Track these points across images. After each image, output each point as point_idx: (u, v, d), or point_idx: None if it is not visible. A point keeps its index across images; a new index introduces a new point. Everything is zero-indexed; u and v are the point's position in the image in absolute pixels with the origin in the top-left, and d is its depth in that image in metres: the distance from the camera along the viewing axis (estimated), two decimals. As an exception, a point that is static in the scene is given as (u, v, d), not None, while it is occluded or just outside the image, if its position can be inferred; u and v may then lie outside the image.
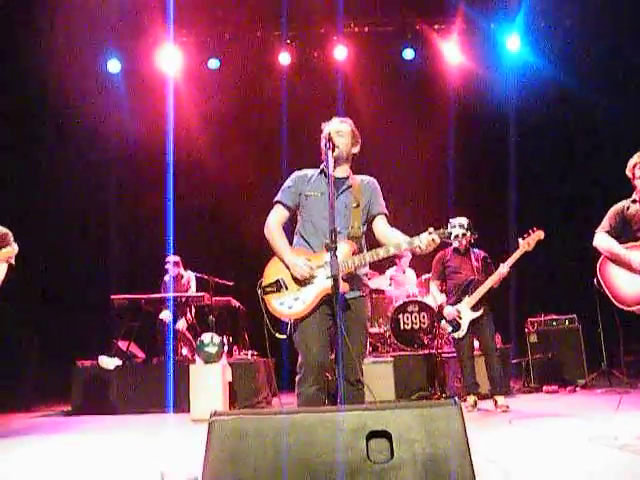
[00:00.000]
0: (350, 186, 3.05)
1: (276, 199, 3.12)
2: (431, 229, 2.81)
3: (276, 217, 3.09)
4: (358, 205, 2.99)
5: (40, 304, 8.02)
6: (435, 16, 8.62)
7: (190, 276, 7.35)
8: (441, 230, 2.81)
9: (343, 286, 2.75)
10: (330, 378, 4.81)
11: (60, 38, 7.73)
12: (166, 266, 7.25)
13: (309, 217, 3.02)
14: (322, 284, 2.87)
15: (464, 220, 2.82)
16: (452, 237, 2.81)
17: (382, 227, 3.06)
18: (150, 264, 7.71)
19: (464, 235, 2.80)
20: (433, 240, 2.77)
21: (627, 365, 6.20)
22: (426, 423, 1.80)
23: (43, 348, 7.67)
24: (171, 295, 6.91)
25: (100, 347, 6.74)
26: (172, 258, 7.28)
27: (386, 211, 3.12)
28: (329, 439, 1.79)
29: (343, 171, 3.08)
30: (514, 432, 4.14)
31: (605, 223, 3.71)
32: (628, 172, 3.68)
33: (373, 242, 3.08)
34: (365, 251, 3.00)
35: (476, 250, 5.55)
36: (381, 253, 2.86)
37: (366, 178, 3.17)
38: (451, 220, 2.85)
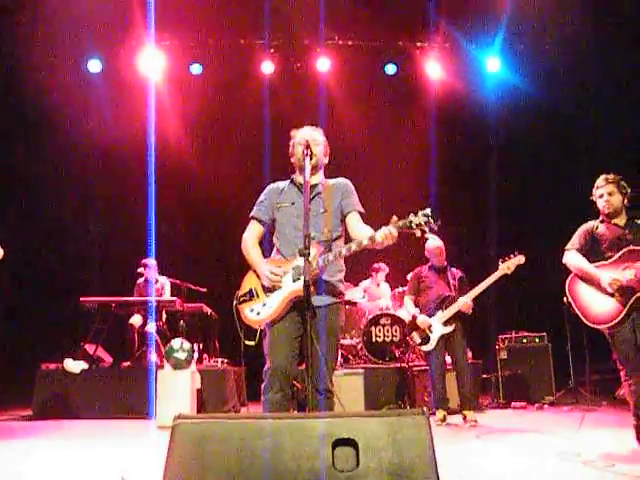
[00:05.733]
0: (319, 192, 3.06)
1: (251, 214, 3.20)
2: (395, 218, 2.70)
3: (250, 232, 3.18)
4: (326, 211, 3.00)
5: (5, 304, 7.81)
6: (417, 34, 8.74)
7: (165, 282, 7.24)
8: (401, 221, 2.69)
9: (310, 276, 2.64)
10: (299, 387, 4.79)
11: (41, 36, 7.63)
12: (139, 269, 7.11)
13: (281, 227, 3.09)
14: (288, 288, 2.89)
15: (427, 209, 2.66)
16: (414, 226, 2.65)
17: (352, 225, 3.03)
18: (123, 267, 7.58)
19: (427, 223, 2.64)
20: (390, 232, 2.66)
21: (593, 383, 6.29)
22: (393, 432, 1.78)
23: (7, 350, 7.46)
24: (143, 299, 6.79)
25: (67, 350, 6.58)
26: (150, 261, 7.15)
27: (359, 209, 3.08)
28: (295, 446, 1.76)
29: (315, 178, 3.09)
30: (482, 447, 4.15)
31: (575, 241, 3.77)
32: (592, 196, 3.79)
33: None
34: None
35: (454, 269, 5.60)
36: (343, 251, 2.83)
37: (338, 180, 3.17)
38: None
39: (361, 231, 2.94)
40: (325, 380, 2.84)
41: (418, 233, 2.66)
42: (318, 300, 2.87)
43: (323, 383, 2.84)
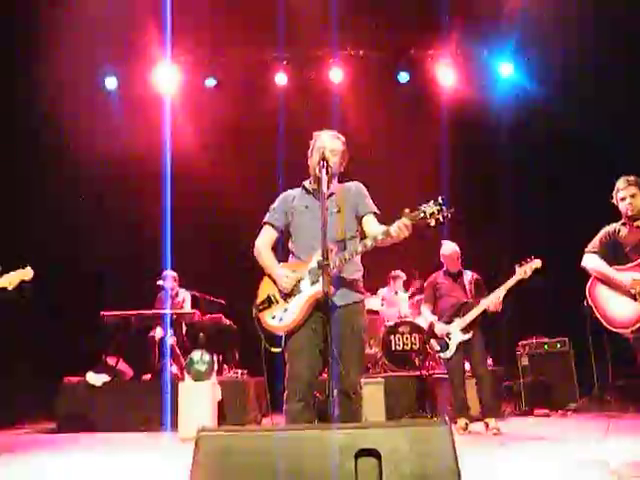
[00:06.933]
0: (332, 193, 3.07)
1: (264, 220, 3.22)
2: (406, 210, 2.72)
3: (263, 237, 3.19)
4: (339, 211, 3.01)
5: (28, 319, 7.92)
6: (429, 41, 8.77)
7: (186, 296, 7.30)
8: (414, 212, 2.71)
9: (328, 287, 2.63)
10: (322, 397, 4.78)
11: (57, 53, 7.78)
12: (159, 282, 7.17)
13: (296, 231, 3.10)
14: (308, 292, 2.89)
15: (439, 198, 2.69)
16: (428, 215, 2.68)
17: (368, 226, 3.03)
18: (143, 280, 7.65)
19: (440, 211, 2.67)
20: (404, 224, 2.69)
21: (618, 389, 6.18)
22: (415, 443, 1.78)
23: (30, 363, 7.56)
24: (162, 312, 6.85)
25: (88, 363, 6.66)
26: (170, 272, 7.24)
27: (374, 210, 3.08)
28: (317, 457, 1.76)
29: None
30: (505, 455, 4.10)
31: (595, 243, 3.72)
32: (613, 199, 3.74)
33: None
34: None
35: (468, 272, 5.57)
36: (359, 248, 2.84)
37: (350, 184, 3.19)
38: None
39: (376, 229, 2.94)
40: (353, 383, 2.81)
41: (432, 222, 2.68)
42: (338, 300, 2.86)
43: (351, 386, 2.81)
